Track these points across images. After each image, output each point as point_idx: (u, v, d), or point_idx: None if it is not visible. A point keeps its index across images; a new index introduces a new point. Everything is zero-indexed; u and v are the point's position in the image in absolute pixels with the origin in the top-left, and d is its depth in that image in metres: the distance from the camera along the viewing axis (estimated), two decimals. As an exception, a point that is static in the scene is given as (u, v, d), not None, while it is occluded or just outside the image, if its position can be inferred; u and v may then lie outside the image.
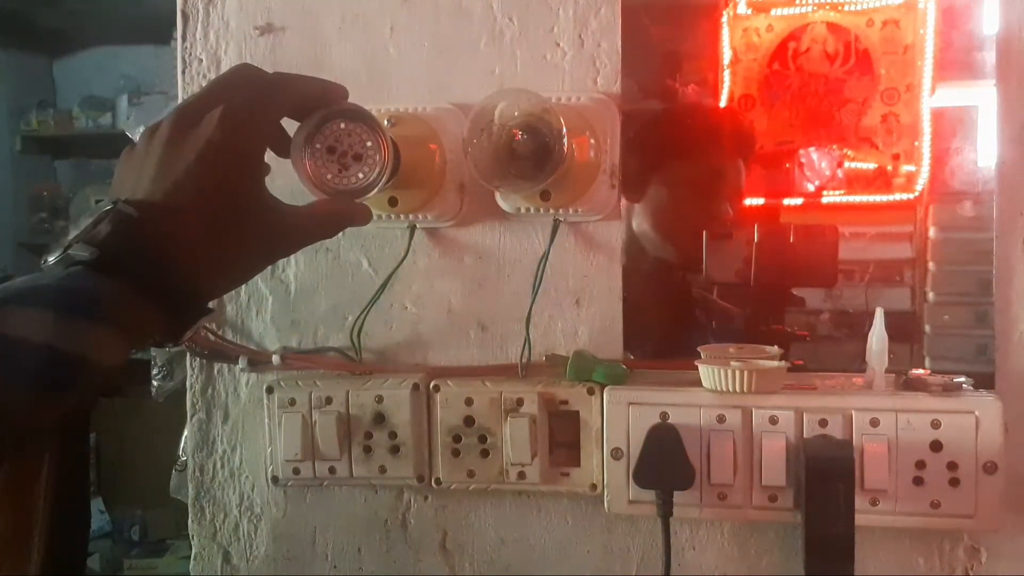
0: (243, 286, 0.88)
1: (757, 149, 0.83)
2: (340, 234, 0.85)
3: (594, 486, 0.79)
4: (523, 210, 0.81)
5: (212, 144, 0.54)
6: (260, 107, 0.58)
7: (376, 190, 0.65)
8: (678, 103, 0.86)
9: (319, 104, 0.62)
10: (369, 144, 0.64)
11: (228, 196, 0.55)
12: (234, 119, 0.55)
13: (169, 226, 0.53)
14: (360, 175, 0.64)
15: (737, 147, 0.85)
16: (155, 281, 0.52)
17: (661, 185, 0.86)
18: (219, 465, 0.90)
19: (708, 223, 0.84)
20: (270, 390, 0.84)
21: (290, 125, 0.64)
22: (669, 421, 0.75)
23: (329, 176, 0.63)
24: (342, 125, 0.63)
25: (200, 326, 0.60)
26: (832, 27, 0.80)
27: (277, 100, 0.59)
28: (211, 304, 0.59)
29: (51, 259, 0.52)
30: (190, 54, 0.89)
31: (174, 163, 0.54)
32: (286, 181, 0.63)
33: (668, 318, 0.89)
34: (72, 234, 0.52)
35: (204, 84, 0.89)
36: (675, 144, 0.87)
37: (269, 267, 0.88)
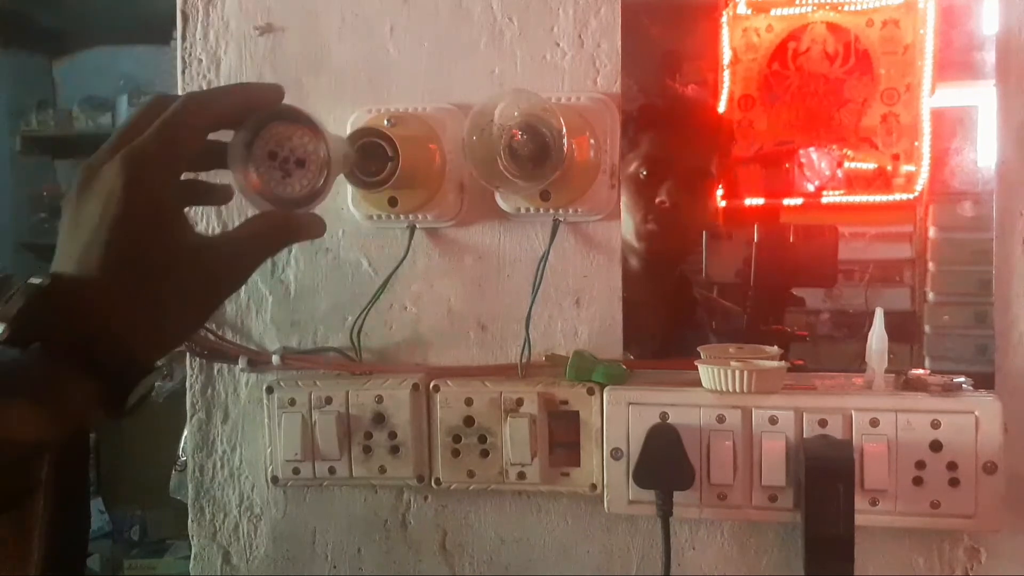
0: (243, 287, 0.88)
1: (732, 144, 0.83)
2: (340, 234, 0.86)
3: (594, 486, 0.79)
4: (523, 210, 0.81)
5: (114, 197, 0.50)
6: (164, 143, 0.53)
7: (322, 197, 0.60)
8: (654, 99, 0.85)
9: (248, 112, 0.58)
10: (310, 148, 0.59)
11: (144, 248, 0.51)
12: (134, 164, 0.51)
13: (82, 292, 0.49)
14: (304, 181, 0.59)
15: (714, 144, 0.85)
16: (74, 351, 0.49)
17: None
18: (219, 465, 0.90)
19: (651, 211, 0.84)
20: (270, 390, 0.84)
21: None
22: (669, 421, 0.75)
23: (273, 184, 0.59)
24: (280, 128, 0.59)
25: (149, 389, 0.54)
26: (832, 27, 0.80)
27: (189, 126, 0.54)
28: (159, 362, 0.55)
29: None
30: (190, 54, 0.89)
31: (80, 225, 0.51)
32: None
33: (668, 318, 0.89)
34: None
35: (204, 86, 0.89)
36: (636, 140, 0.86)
37: (269, 267, 0.88)
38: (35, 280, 0.49)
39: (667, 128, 0.85)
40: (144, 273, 0.51)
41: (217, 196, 0.65)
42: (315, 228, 0.61)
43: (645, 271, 0.85)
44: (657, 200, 0.84)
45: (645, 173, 0.84)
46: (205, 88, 0.88)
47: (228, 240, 0.57)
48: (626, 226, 0.83)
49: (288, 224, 0.59)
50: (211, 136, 0.58)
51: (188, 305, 0.54)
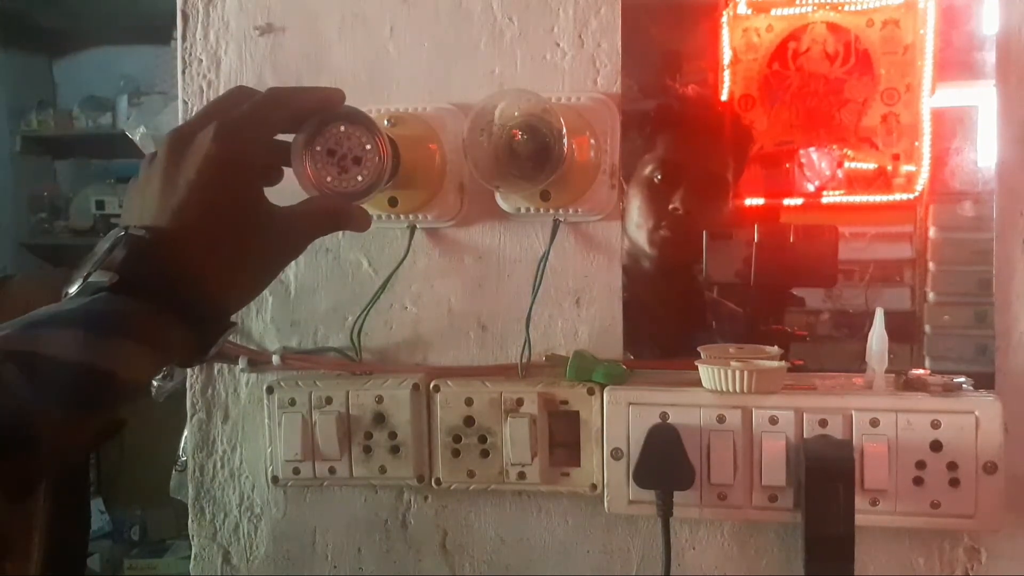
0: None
1: (752, 151, 0.83)
2: (340, 234, 0.86)
3: (594, 486, 0.79)
4: (523, 210, 0.81)
5: (209, 159, 0.55)
6: (254, 121, 0.58)
7: (375, 192, 0.65)
8: (671, 100, 0.85)
9: (317, 111, 0.63)
10: (368, 147, 0.64)
11: (231, 208, 0.56)
12: (228, 132, 0.56)
13: (180, 244, 0.54)
14: (359, 178, 0.65)
15: (730, 147, 0.85)
16: (175, 298, 0.53)
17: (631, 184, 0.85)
18: (219, 465, 0.90)
19: (663, 218, 0.84)
20: (270, 390, 0.84)
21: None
22: (669, 421, 0.75)
23: (329, 179, 0.64)
24: (341, 128, 0.64)
25: (224, 341, 0.58)
26: (832, 27, 0.80)
27: (272, 113, 0.60)
28: (233, 318, 0.59)
29: (72, 289, 0.54)
30: (190, 54, 0.89)
31: (175, 183, 0.55)
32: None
33: (668, 318, 0.89)
34: (87, 265, 0.54)
35: (204, 86, 0.89)
36: (665, 141, 0.86)
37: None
38: (135, 231, 0.54)
39: (684, 131, 0.85)
40: (232, 232, 0.56)
41: (276, 178, 0.69)
42: (362, 220, 0.64)
43: (655, 275, 0.85)
44: (670, 207, 0.84)
45: (660, 177, 0.83)
46: (206, 87, 0.89)
47: (291, 212, 0.60)
48: (636, 229, 0.83)
49: (338, 210, 0.64)
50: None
51: (259, 266, 0.60)
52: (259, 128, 0.59)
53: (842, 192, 0.80)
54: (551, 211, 0.80)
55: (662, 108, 0.83)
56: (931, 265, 0.79)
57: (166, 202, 0.55)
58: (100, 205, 3.60)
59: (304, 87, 0.64)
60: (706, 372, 0.75)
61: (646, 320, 0.83)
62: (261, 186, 0.59)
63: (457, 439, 0.81)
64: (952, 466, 0.71)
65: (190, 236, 0.54)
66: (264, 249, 0.59)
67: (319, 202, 0.64)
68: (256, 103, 0.59)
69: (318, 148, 0.63)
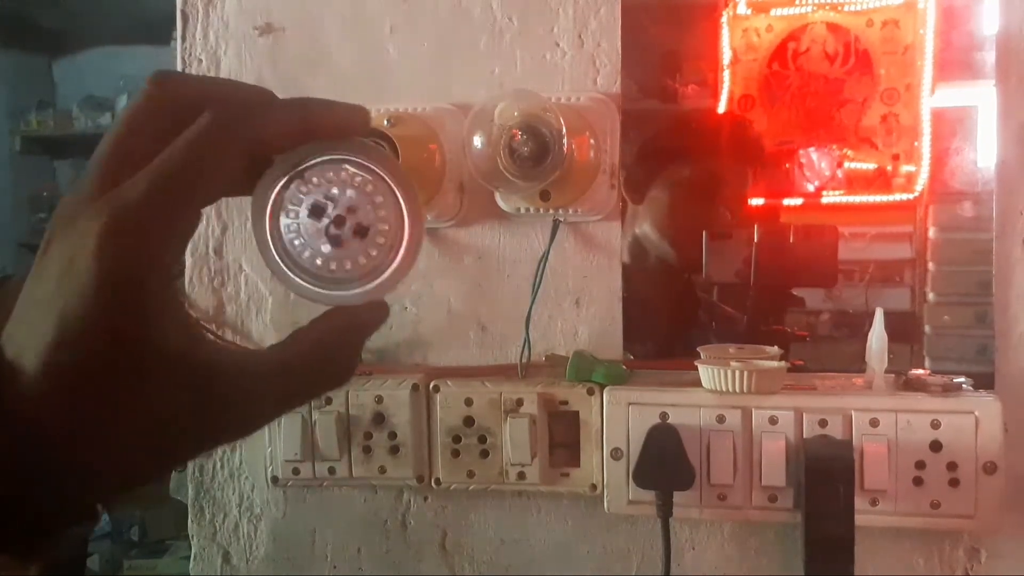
0: (243, 286, 0.89)
1: (764, 155, 0.83)
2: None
3: (594, 486, 0.79)
4: (523, 210, 0.81)
5: (82, 266, 0.32)
6: (171, 198, 0.33)
7: (395, 285, 0.38)
8: (684, 108, 0.85)
9: (302, 138, 0.37)
10: (380, 210, 0.37)
11: (115, 346, 0.33)
12: (118, 224, 0.32)
13: (15, 385, 0.33)
14: (362, 260, 0.37)
15: (743, 154, 0.85)
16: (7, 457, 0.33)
17: (663, 188, 0.86)
18: (219, 465, 0.90)
19: (707, 226, 0.84)
20: (270, 390, 0.84)
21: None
22: (669, 421, 0.75)
23: (309, 255, 0.37)
24: (344, 171, 0.37)
25: (78, 539, 0.40)
26: (832, 27, 0.80)
27: (209, 166, 0.34)
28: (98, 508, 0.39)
29: None
30: (190, 54, 0.89)
31: (37, 293, 0.34)
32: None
33: (668, 319, 0.89)
34: None
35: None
36: (679, 148, 0.87)
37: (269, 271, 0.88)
38: None
39: (712, 155, 0.86)
40: (105, 382, 0.33)
41: None
42: (378, 316, 0.40)
43: (661, 276, 0.86)
44: (717, 232, 0.85)
45: (695, 199, 0.85)
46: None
47: (260, 359, 0.38)
48: (655, 234, 0.84)
49: (352, 328, 0.41)
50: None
51: (168, 438, 0.36)
52: (174, 214, 0.34)
53: (842, 192, 0.80)
54: (551, 211, 0.80)
55: (682, 123, 0.84)
56: (931, 265, 0.79)
57: (22, 316, 0.34)
58: (100, 205, 3.60)
59: (290, 99, 0.37)
60: (706, 372, 0.75)
61: (647, 320, 0.84)
62: (177, 310, 0.35)
63: (457, 439, 0.81)
64: (952, 466, 0.71)
65: (32, 377, 0.32)
66: (181, 410, 0.35)
67: (316, 336, 0.40)
68: (172, 158, 0.34)
69: (291, 206, 0.36)
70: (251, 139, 0.35)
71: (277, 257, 0.37)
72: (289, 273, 0.38)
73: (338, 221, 0.36)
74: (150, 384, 0.34)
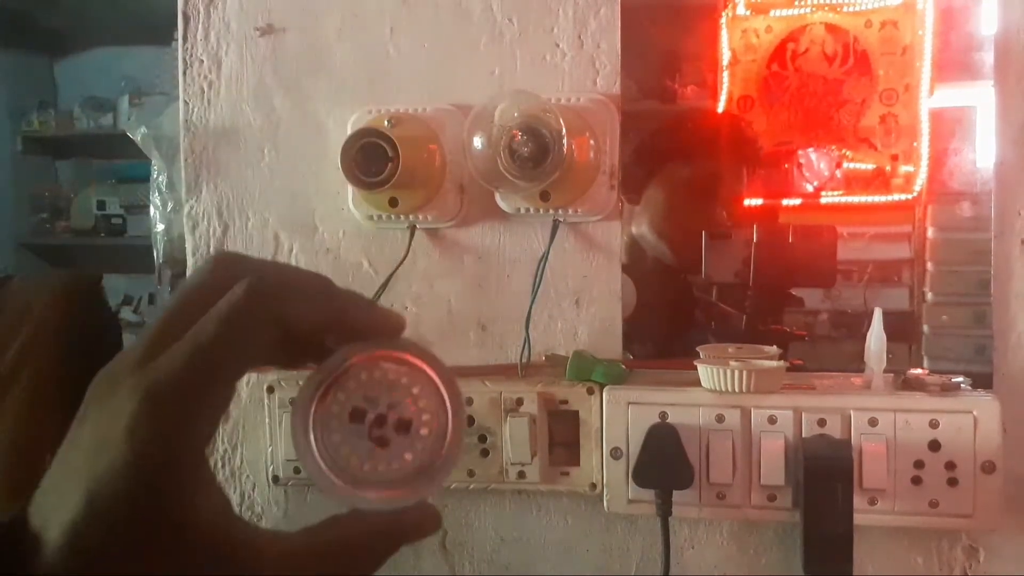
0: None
1: (761, 156, 0.83)
2: (340, 233, 0.87)
3: (593, 485, 0.80)
4: (523, 210, 0.81)
5: (117, 445, 0.32)
6: (203, 376, 0.34)
7: (442, 478, 0.38)
8: (681, 108, 0.86)
9: (334, 327, 0.37)
10: (421, 403, 0.37)
11: (145, 532, 0.33)
12: (155, 403, 0.33)
13: (40, 558, 0.32)
14: (409, 456, 0.37)
15: (739, 153, 0.85)
16: None
17: (659, 188, 0.86)
18: (219, 465, 0.90)
19: (704, 227, 0.84)
20: (270, 390, 0.84)
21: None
22: (668, 421, 0.75)
23: (356, 460, 0.36)
24: (374, 373, 0.37)
25: None
26: (831, 28, 0.80)
27: (241, 348, 0.34)
28: None
29: None
30: (191, 55, 0.89)
31: (71, 463, 0.34)
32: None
33: (666, 319, 0.89)
34: None
35: (205, 87, 0.89)
36: (676, 148, 0.87)
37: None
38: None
39: (709, 155, 0.86)
40: (131, 562, 0.33)
41: None
42: (428, 524, 0.38)
43: (658, 277, 0.86)
44: (717, 232, 0.85)
45: (691, 199, 0.85)
46: (207, 88, 0.89)
47: (288, 546, 0.36)
48: (651, 235, 0.84)
49: (392, 532, 0.38)
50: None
51: None
52: (210, 394, 0.34)
53: (841, 192, 0.80)
54: (551, 211, 0.80)
55: (679, 127, 0.84)
56: (929, 265, 0.79)
57: (56, 487, 0.34)
58: (101, 205, 3.61)
59: (330, 291, 0.37)
60: (705, 372, 0.75)
61: (647, 319, 0.84)
62: (215, 495, 0.35)
63: (457, 439, 0.81)
64: (950, 465, 0.71)
65: (56, 552, 0.32)
66: None
67: (353, 530, 0.37)
68: (223, 314, 0.34)
69: (335, 408, 0.36)
70: (282, 318, 0.35)
71: (327, 471, 0.36)
72: (337, 482, 0.36)
73: (379, 420, 0.36)
74: (175, 565, 0.33)
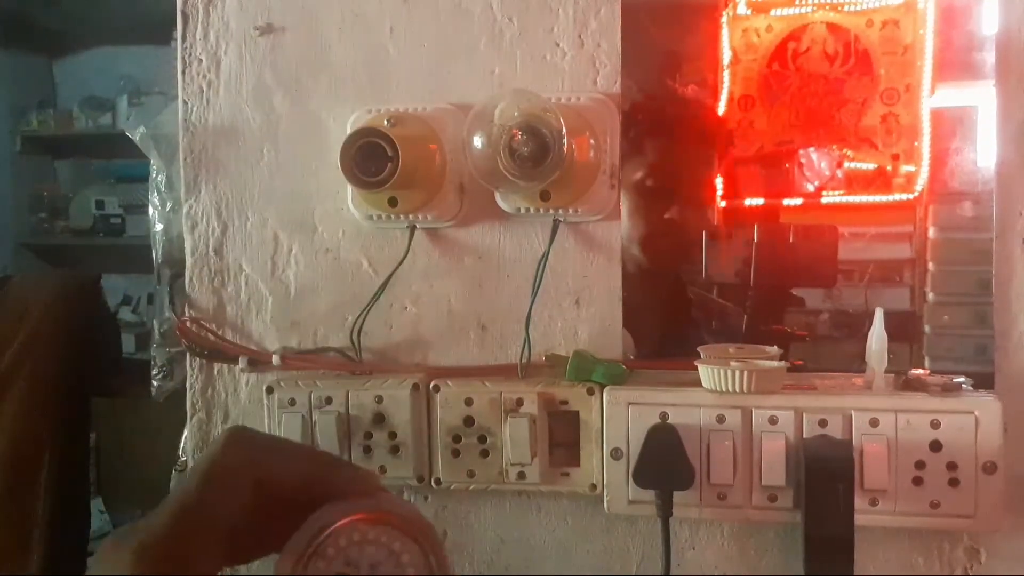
0: (243, 286, 0.89)
1: (729, 132, 0.82)
2: (340, 233, 0.86)
3: (594, 486, 0.79)
4: (523, 210, 0.81)
5: None
6: (182, 535, 0.37)
7: None
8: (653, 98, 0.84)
9: (312, 488, 0.39)
10: (405, 556, 0.37)
11: None
12: (141, 560, 0.36)
13: None
14: None
15: (701, 135, 0.84)
16: None
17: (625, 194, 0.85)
18: (219, 465, 0.90)
19: (676, 224, 0.83)
20: (270, 390, 0.84)
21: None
22: (669, 421, 0.75)
23: None
24: (353, 536, 0.37)
25: None
26: (832, 27, 0.80)
27: (214, 512, 0.37)
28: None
29: None
30: (190, 54, 0.89)
31: None
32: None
33: (665, 319, 0.89)
34: None
35: (204, 87, 0.89)
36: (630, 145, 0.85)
37: (269, 268, 0.88)
38: None
39: (671, 136, 0.85)
40: None
41: None
42: None
43: (644, 275, 0.85)
44: (666, 216, 0.84)
45: (651, 183, 0.83)
46: (206, 87, 0.88)
47: None
48: (628, 230, 0.83)
49: None
50: None
51: None
52: (197, 532, 0.37)
53: (842, 192, 0.80)
54: (551, 211, 0.80)
55: (641, 108, 0.82)
56: (931, 265, 0.79)
57: None
58: (100, 205, 3.61)
59: (307, 455, 0.41)
60: (706, 372, 0.75)
61: (640, 319, 0.83)
62: None
63: (457, 439, 0.81)
64: (952, 466, 0.71)
65: None
66: None
67: None
68: (202, 474, 0.38)
69: (319, 567, 0.37)
70: (259, 480, 0.38)
71: None
72: None
73: None
74: None
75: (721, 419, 0.74)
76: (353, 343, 0.85)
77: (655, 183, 0.84)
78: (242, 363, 0.87)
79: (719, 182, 0.83)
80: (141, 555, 0.36)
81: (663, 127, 0.85)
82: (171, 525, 0.37)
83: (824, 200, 0.81)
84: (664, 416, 0.75)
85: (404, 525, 0.37)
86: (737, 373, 0.73)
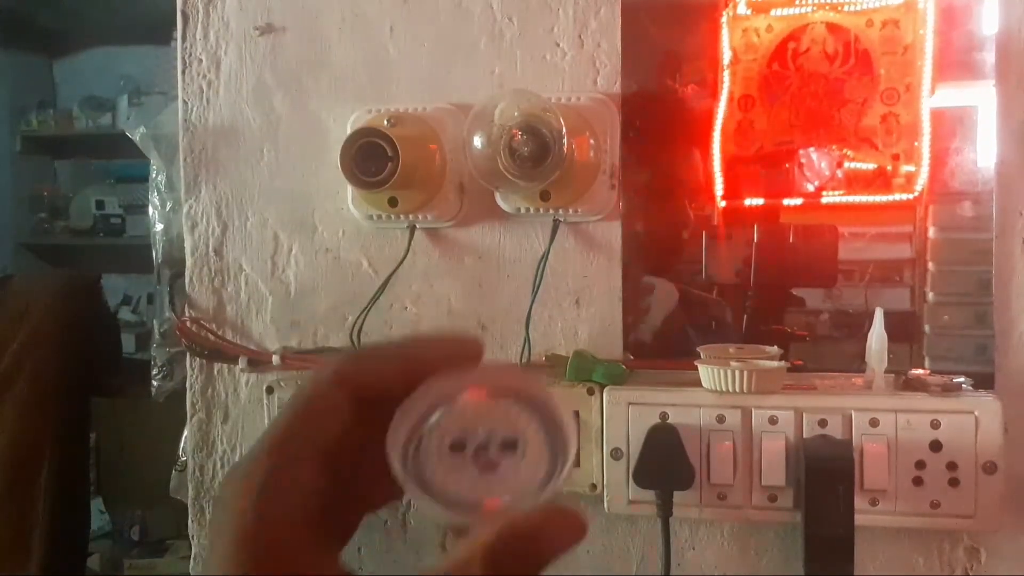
0: (243, 286, 0.89)
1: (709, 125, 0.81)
2: (340, 233, 0.86)
3: (594, 486, 0.79)
4: (523, 210, 0.81)
5: (218, 543, 0.34)
6: (283, 458, 0.35)
7: (556, 485, 0.34)
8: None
9: (417, 378, 0.35)
10: (522, 423, 0.35)
11: None
12: (235, 495, 0.34)
13: None
14: (524, 471, 0.35)
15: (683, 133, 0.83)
16: None
17: None
18: (219, 465, 0.90)
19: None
20: (270, 390, 0.84)
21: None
22: (669, 421, 0.75)
23: (462, 490, 0.34)
24: (466, 406, 0.35)
25: None
26: (832, 27, 0.80)
27: (315, 433, 0.35)
28: None
29: None
30: (190, 54, 0.89)
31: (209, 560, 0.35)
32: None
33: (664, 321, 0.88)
34: None
35: (204, 86, 0.89)
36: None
37: (269, 268, 0.88)
38: None
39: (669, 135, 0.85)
40: None
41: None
42: (574, 530, 0.33)
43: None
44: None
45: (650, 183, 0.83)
46: (206, 87, 0.88)
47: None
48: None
49: (536, 539, 0.33)
50: None
51: None
52: (293, 457, 0.35)
53: (842, 192, 0.80)
54: (551, 211, 0.80)
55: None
56: (931, 265, 0.79)
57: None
58: (100, 205, 3.60)
59: (397, 345, 0.38)
60: (706, 372, 0.75)
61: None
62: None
63: (457, 439, 0.81)
64: (952, 466, 0.71)
65: None
66: None
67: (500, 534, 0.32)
68: (297, 397, 0.36)
69: (431, 442, 0.35)
70: (355, 393, 0.35)
71: (429, 500, 0.34)
72: (447, 507, 0.34)
73: (481, 447, 0.34)
74: None
75: (721, 419, 0.74)
76: (353, 343, 0.85)
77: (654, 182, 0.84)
78: (242, 363, 0.87)
79: (719, 182, 0.83)
80: (234, 487, 0.34)
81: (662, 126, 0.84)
82: (264, 453, 0.35)
83: (824, 200, 0.81)
84: (664, 416, 0.75)
85: (521, 395, 0.35)
86: (737, 373, 0.73)
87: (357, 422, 0.35)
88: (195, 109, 0.89)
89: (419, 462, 0.34)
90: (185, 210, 0.89)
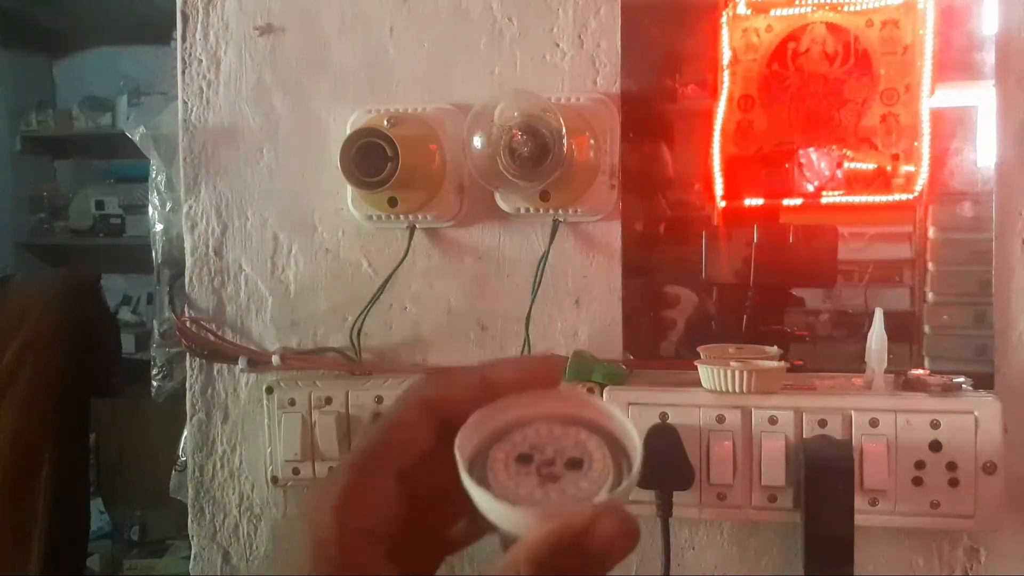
0: (243, 286, 0.89)
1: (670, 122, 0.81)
2: (340, 233, 0.86)
3: (594, 486, 0.79)
4: (523, 210, 0.81)
5: (297, 540, 0.37)
6: (355, 494, 0.37)
7: (622, 498, 0.35)
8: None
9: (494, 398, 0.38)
10: (589, 445, 0.36)
11: None
12: (320, 521, 0.36)
13: None
14: (584, 484, 0.35)
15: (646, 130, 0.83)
16: None
17: None
18: (219, 465, 0.90)
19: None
20: (270, 390, 0.84)
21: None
22: (669, 421, 0.75)
23: (522, 491, 0.35)
24: (539, 429, 0.37)
25: None
26: (831, 27, 0.80)
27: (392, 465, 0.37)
28: None
29: None
30: (190, 55, 0.89)
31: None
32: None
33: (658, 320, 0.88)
34: None
35: (203, 87, 0.89)
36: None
37: (269, 267, 0.88)
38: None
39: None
40: None
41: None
42: (627, 534, 0.33)
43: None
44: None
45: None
46: (206, 87, 0.88)
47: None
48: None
49: (590, 547, 0.33)
50: None
51: None
52: (374, 472, 0.37)
53: (841, 192, 0.80)
54: (551, 211, 0.80)
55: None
56: (930, 265, 0.79)
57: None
58: (100, 205, 3.60)
59: (486, 367, 0.39)
60: (706, 372, 0.75)
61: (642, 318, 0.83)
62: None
63: (457, 439, 0.81)
64: (951, 466, 0.71)
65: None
66: None
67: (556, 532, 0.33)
68: (385, 416, 0.38)
69: (499, 455, 0.37)
70: (443, 413, 0.37)
71: (489, 503, 0.35)
72: (508, 510, 0.35)
73: (546, 462, 0.36)
74: None
75: (721, 419, 0.74)
76: (353, 343, 0.85)
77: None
78: (242, 363, 0.87)
79: (719, 182, 0.83)
80: (317, 498, 0.37)
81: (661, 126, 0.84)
82: (347, 467, 0.37)
83: (824, 200, 0.81)
84: (664, 416, 0.75)
85: (594, 425, 0.37)
86: (737, 373, 0.73)
87: (438, 446, 0.37)
88: (195, 109, 0.89)
89: (483, 466, 0.36)
90: (185, 210, 0.89)
